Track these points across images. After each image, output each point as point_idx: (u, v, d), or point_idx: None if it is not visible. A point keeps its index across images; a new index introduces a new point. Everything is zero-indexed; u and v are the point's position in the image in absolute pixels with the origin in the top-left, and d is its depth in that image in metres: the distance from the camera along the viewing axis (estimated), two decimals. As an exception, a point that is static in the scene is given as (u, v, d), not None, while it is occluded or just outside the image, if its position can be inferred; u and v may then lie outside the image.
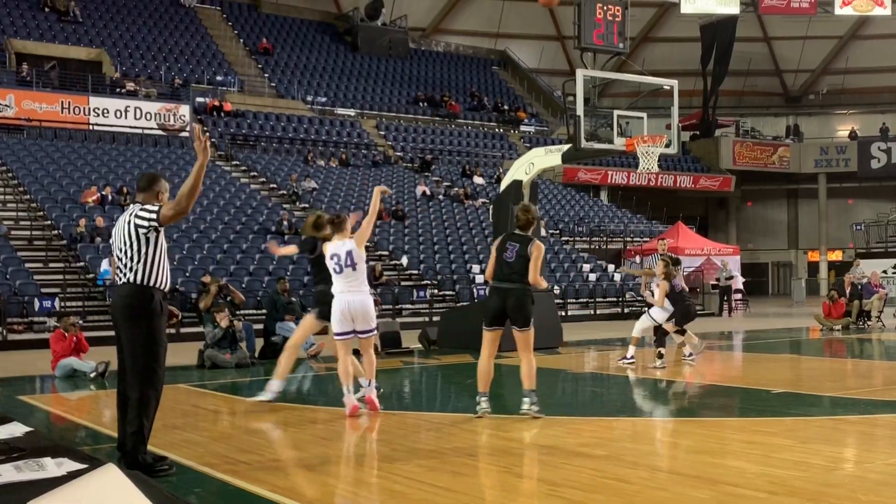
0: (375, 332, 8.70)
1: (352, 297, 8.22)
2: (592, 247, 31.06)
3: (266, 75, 37.50)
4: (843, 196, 43.89)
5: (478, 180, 33.76)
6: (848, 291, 20.78)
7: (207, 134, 6.21)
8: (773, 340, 17.40)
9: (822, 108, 48.32)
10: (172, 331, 16.83)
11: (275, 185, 29.08)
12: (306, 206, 27.52)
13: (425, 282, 23.84)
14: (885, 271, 29.87)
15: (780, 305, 33.10)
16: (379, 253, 25.39)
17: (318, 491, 5.64)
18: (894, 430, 7.60)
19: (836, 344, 16.49)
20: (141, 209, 6.01)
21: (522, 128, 40.95)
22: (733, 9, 41.91)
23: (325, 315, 8.74)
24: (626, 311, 25.83)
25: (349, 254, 8.20)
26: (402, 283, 23.58)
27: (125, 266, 6.02)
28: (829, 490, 5.46)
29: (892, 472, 5.90)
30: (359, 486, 5.72)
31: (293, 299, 15.31)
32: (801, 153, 43.93)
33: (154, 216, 5.92)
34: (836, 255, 42.72)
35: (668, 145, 15.72)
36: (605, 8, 16.38)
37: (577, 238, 31.39)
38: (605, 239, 31.91)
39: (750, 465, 6.15)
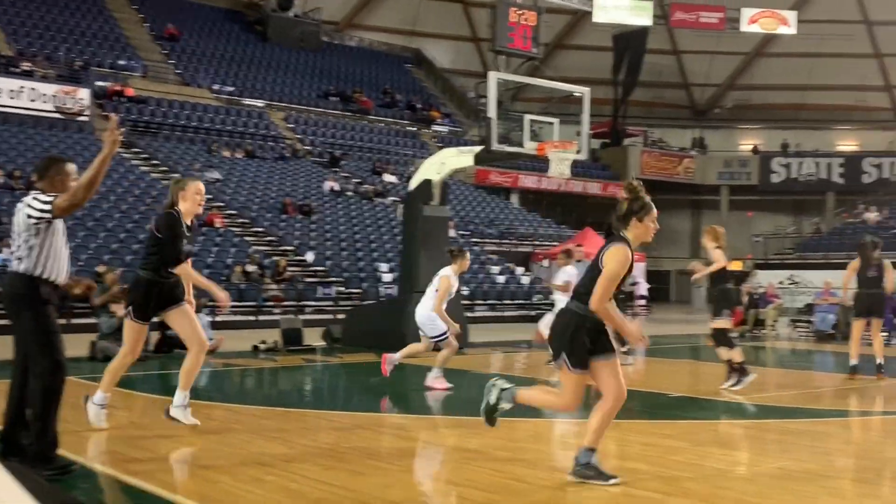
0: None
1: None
2: (502, 249, 31.33)
3: (171, 61, 36.63)
4: (743, 208, 45.24)
5: (388, 178, 33.68)
6: (745, 301, 21.45)
7: (123, 129, 6.02)
8: (674, 346, 17.83)
9: (726, 123, 49.75)
10: (64, 321, 16.27)
11: (177, 175, 28.44)
12: (209, 197, 27.00)
13: (331, 279, 23.67)
14: (781, 282, 30.96)
15: (681, 312, 33.97)
16: (284, 248, 25.10)
17: (211, 489, 5.53)
18: (782, 435, 7.89)
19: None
20: (34, 198, 5.75)
21: (435, 127, 41.00)
22: (645, 20, 42.85)
23: None
24: (533, 313, 26.12)
25: None
26: (307, 280, 23.36)
27: (14, 254, 5.81)
28: (720, 492, 5.64)
29: (779, 475, 6.13)
30: (253, 484, 5.64)
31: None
32: (705, 165, 45.20)
33: (48, 207, 5.67)
34: (736, 266, 43.97)
35: (578, 152, 15.99)
36: (519, 13, 16.59)
37: (487, 240, 31.61)
38: (514, 242, 32.23)
39: (646, 466, 6.29)
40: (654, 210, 5.67)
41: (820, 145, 46.84)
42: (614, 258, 5.40)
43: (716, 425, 8.37)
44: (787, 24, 43.82)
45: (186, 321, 7.37)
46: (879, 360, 11.67)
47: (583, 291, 5.48)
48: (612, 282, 5.36)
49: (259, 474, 5.91)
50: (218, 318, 19.75)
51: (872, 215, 35.47)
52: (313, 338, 15.60)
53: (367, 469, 6.09)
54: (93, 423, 7.21)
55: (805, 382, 12.25)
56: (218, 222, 24.90)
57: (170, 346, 13.29)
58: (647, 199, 5.65)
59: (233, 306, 21.31)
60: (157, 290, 7.22)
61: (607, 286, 5.35)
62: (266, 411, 8.85)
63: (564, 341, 5.48)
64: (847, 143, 48.59)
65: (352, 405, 9.92)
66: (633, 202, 5.63)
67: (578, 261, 16.98)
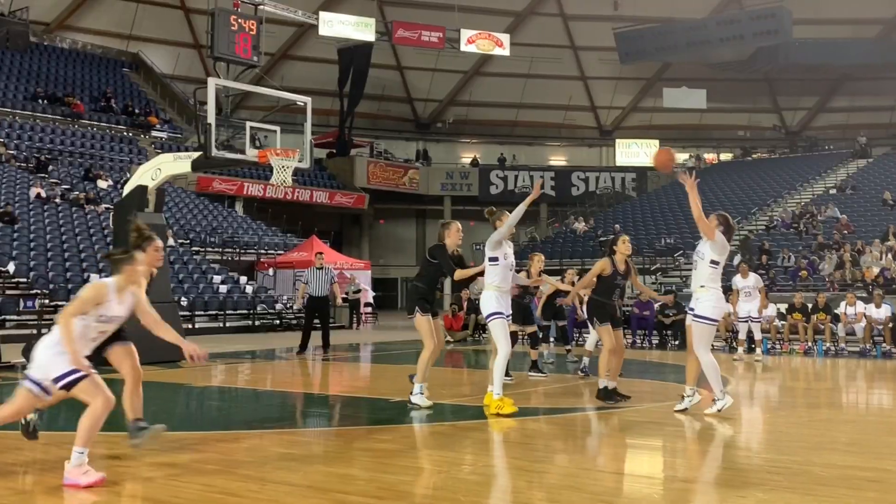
0: None
1: None
2: (225, 258, 30.48)
3: None
4: (466, 217, 46.73)
5: (102, 184, 31.77)
6: (465, 306, 22.28)
7: None
8: (398, 352, 18.08)
9: (448, 136, 51.60)
10: None
11: None
12: None
13: (34, 291, 21.91)
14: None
15: (407, 319, 34.64)
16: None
17: None
18: (499, 435, 8.12)
19: (455, 355, 17.48)
20: None
21: (154, 133, 39.27)
22: (369, 36, 43.58)
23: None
24: (256, 323, 25.63)
25: None
26: (8, 293, 21.49)
27: None
28: (435, 493, 5.68)
29: (489, 473, 6.29)
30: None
31: None
32: (429, 176, 46.59)
33: None
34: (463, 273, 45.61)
35: (300, 160, 15.88)
36: (239, 21, 16.28)
37: (210, 248, 30.64)
38: (238, 250, 31.48)
39: (362, 471, 6.24)
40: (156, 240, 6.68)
41: (533, 160, 49.83)
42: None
43: (437, 427, 8.49)
44: (501, 46, 46.17)
45: None
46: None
47: None
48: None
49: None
50: None
51: (581, 225, 38.11)
52: (13, 354, 14.30)
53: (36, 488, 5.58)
54: None
55: (522, 383, 12.77)
56: None
57: None
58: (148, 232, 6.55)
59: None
60: None
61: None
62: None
63: None
64: (557, 159, 51.97)
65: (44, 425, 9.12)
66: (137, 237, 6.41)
67: (319, 268, 16.84)
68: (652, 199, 41.74)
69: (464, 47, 45.79)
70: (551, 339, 18.67)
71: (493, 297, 9.07)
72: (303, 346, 16.71)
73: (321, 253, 18.82)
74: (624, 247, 9.81)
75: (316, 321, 17.03)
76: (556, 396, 10.92)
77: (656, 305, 19.37)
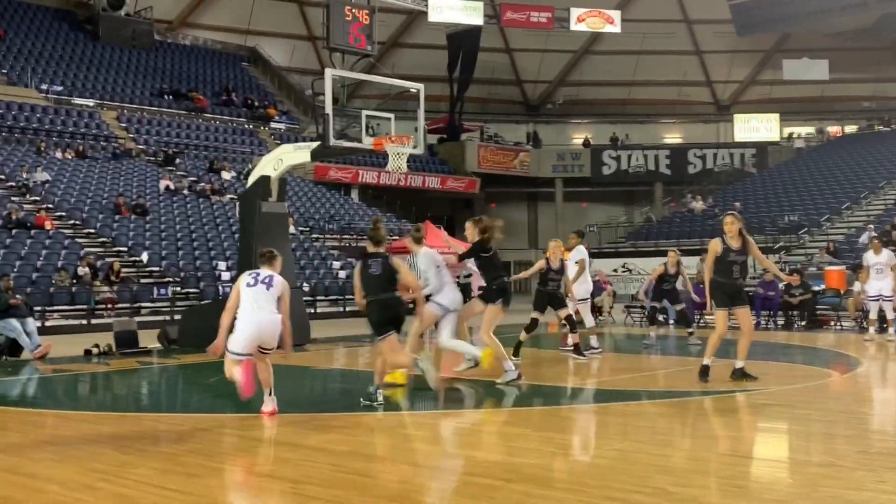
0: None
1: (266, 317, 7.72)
2: (343, 244, 31.06)
3: (-5, 61, 34.55)
4: (577, 199, 46.64)
5: (226, 176, 32.81)
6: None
7: None
8: (514, 335, 18.03)
9: (558, 117, 51.13)
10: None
11: (3, 177, 26.79)
12: (37, 198, 25.58)
13: (167, 279, 22.82)
14: (615, 270, 32.03)
15: (520, 302, 34.59)
16: (117, 249, 24.03)
17: (39, 498, 5.15)
18: (623, 418, 8.04)
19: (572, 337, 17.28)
20: None
21: (273, 125, 40.30)
22: (477, 20, 43.53)
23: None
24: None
25: (270, 277, 7.85)
26: (142, 281, 22.44)
27: None
28: (562, 476, 5.67)
29: (618, 458, 6.22)
30: (84, 492, 5.28)
31: (18, 296, 14.14)
32: (539, 159, 46.27)
33: None
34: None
35: (414, 146, 16.02)
36: (353, 11, 16.50)
37: (328, 235, 31.28)
38: (354, 237, 32.02)
39: (489, 454, 6.28)
40: None
41: (647, 138, 48.84)
42: None
43: (557, 410, 8.48)
44: (612, 23, 45.42)
45: None
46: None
47: None
48: None
49: (91, 481, 5.56)
50: (48, 323, 18.77)
51: (698, 204, 37.19)
52: (149, 340, 14.96)
53: (203, 471, 5.82)
54: None
55: (640, 366, 12.63)
56: (48, 224, 23.61)
57: None
58: None
59: (63, 310, 20.29)
60: None
61: None
62: (99, 416, 8.38)
63: None
64: (672, 136, 50.88)
65: (190, 407, 9.53)
66: None
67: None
68: (773, 175, 40.43)
69: (573, 26, 45.24)
70: (670, 322, 18.45)
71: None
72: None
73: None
74: (728, 226, 9.58)
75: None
76: (678, 379, 10.73)
77: (781, 285, 18.75)
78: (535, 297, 12.46)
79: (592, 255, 32.21)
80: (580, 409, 8.51)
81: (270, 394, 7.86)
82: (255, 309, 7.63)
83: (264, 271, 7.89)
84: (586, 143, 47.86)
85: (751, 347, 9.78)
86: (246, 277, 7.86)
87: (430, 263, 10.08)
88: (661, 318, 19.81)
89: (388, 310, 8.33)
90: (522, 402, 8.97)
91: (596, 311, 21.57)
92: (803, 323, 18.26)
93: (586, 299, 13.57)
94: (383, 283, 8.33)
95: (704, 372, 9.52)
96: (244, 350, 7.57)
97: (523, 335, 12.07)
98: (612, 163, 45.91)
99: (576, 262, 13.26)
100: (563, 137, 50.37)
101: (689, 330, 15.08)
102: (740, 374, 9.48)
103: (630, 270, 32.86)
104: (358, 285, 8.46)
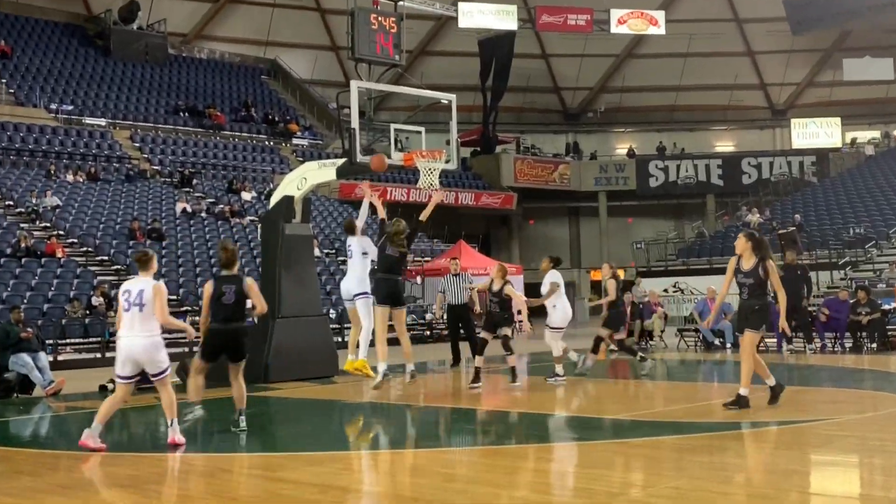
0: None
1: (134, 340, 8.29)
2: (371, 267, 31.05)
3: (3, 80, 35.13)
4: (623, 214, 46.44)
5: (246, 196, 33.07)
6: (629, 311, 21.80)
7: None
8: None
9: (600, 126, 51.06)
10: None
11: (11, 203, 27.21)
12: (47, 225, 25.93)
13: (185, 308, 22.98)
14: (665, 290, 31.66)
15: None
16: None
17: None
18: (677, 453, 7.88)
19: (620, 364, 17.18)
20: None
21: (295, 141, 40.57)
22: (511, 24, 43.63)
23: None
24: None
25: (140, 293, 8.31)
26: (160, 311, 22.61)
27: None
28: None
29: (673, 496, 6.13)
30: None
31: (29, 329, 14.30)
32: (581, 171, 46.12)
33: None
34: (619, 274, 44.99)
35: (448, 161, 15.99)
36: (379, 19, 16.55)
37: (355, 259, 31.29)
38: (384, 260, 32.02)
39: (532, 494, 6.22)
40: None
41: (696, 147, 48.60)
42: None
43: (605, 445, 8.39)
44: (656, 25, 45.36)
45: None
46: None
47: None
48: None
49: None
50: (60, 358, 18.95)
51: (754, 217, 36.81)
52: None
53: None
54: None
55: (695, 395, 12.48)
56: (59, 252, 23.91)
57: (6, 391, 12.64)
58: None
59: (76, 343, 20.48)
60: None
61: None
62: (116, 457, 8.41)
63: None
64: (724, 144, 50.63)
65: (211, 446, 9.54)
66: None
67: (455, 275, 17.18)
68: (836, 185, 40.03)
69: (614, 29, 45.21)
70: (727, 345, 18.29)
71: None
72: (455, 359, 16.94)
73: (456, 258, 19.09)
74: (736, 244, 9.84)
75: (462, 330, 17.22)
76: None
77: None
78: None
79: (641, 274, 32.13)
80: (628, 443, 8.41)
81: (172, 424, 8.36)
82: (128, 335, 8.26)
83: (135, 286, 8.39)
84: (631, 154, 47.70)
85: (817, 373, 9.63)
86: (122, 299, 8.38)
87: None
88: (717, 341, 19.69)
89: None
90: (565, 437, 8.87)
91: (646, 335, 21.44)
92: (873, 345, 17.98)
93: (562, 328, 13.76)
94: (234, 309, 9.05)
95: (738, 402, 9.52)
96: (124, 373, 8.29)
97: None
98: (660, 174, 45.70)
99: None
100: (605, 148, 50.24)
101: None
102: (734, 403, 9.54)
103: (682, 290, 32.54)
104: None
